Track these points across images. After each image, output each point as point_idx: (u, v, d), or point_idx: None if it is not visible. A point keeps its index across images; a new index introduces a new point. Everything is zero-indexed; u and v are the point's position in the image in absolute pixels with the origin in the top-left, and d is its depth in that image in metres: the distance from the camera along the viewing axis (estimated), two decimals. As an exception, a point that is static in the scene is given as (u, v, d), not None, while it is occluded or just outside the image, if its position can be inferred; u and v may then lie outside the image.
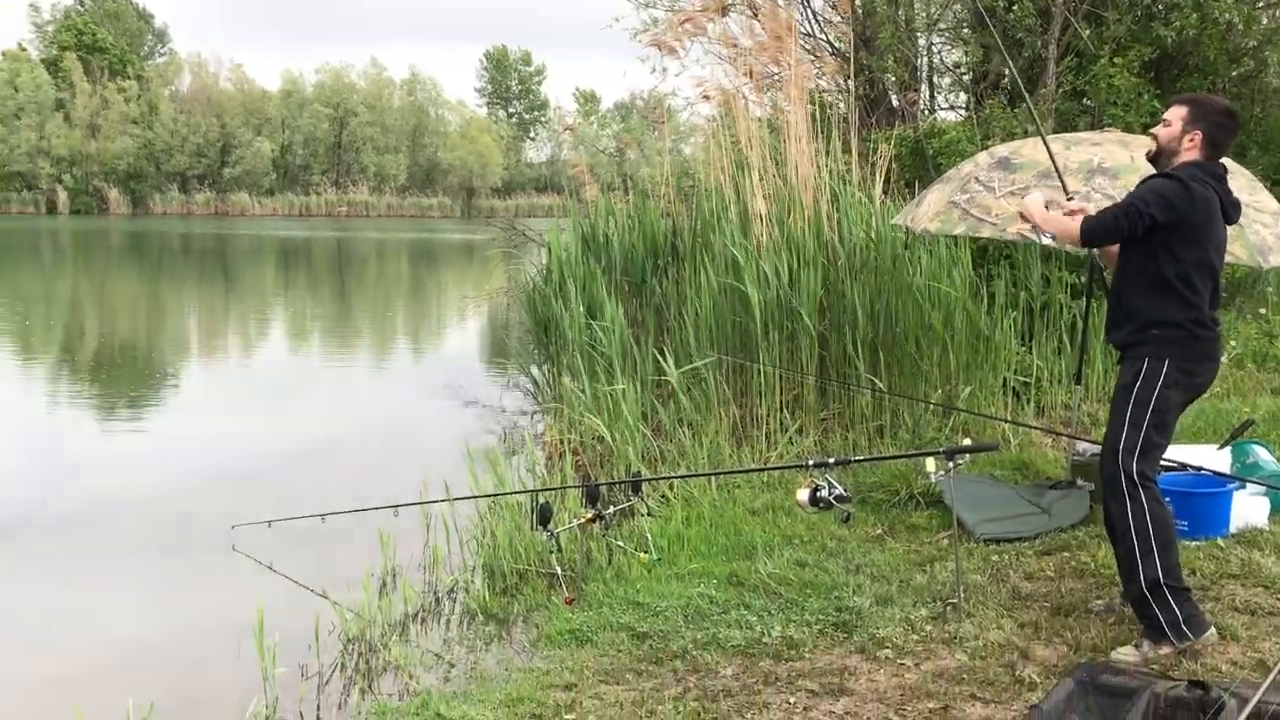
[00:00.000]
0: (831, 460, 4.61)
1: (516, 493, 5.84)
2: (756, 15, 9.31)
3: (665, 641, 4.58)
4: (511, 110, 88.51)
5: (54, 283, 26.40)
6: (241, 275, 30.12)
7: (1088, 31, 10.09)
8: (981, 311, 8.04)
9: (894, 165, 9.79)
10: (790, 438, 7.29)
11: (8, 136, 61.32)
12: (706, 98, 8.72)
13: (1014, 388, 8.38)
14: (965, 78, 12.33)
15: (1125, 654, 3.97)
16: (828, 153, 8.77)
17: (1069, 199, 4.58)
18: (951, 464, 4.45)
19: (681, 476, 6.25)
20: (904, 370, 7.73)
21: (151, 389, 12.72)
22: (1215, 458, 5.80)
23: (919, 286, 7.73)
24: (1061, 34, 10.27)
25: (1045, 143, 4.81)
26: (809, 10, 11.57)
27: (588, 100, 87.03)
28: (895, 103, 11.84)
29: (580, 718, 3.88)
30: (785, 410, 7.61)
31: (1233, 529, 5.47)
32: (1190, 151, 4.07)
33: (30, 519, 7.10)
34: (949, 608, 4.60)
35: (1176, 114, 4.10)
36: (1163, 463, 5.66)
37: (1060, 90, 10.15)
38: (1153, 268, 4.02)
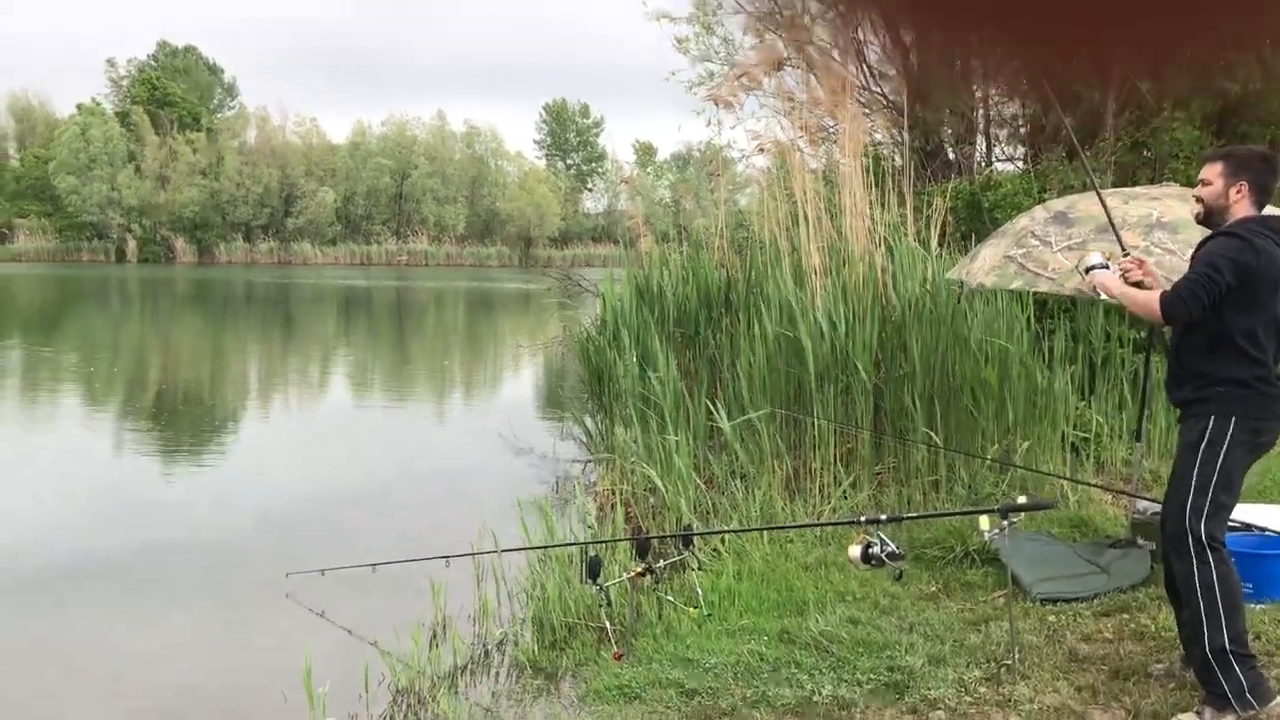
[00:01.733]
0: (884, 517, 4.57)
1: (566, 545, 5.83)
2: (813, 70, 9.35)
3: (714, 699, 4.53)
4: (570, 161, 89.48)
5: (121, 329, 26.98)
6: (302, 323, 30.58)
7: (1146, 85, 10.02)
8: (1039, 365, 7.94)
9: (949, 218, 9.76)
10: (844, 491, 7.22)
11: (81, 187, 63.08)
12: (762, 150, 8.75)
13: (1073, 443, 8.25)
14: (1022, 130, 12.27)
15: (1187, 721, 3.86)
16: (883, 205, 8.77)
17: (1125, 255, 4.53)
18: (1006, 522, 4.37)
19: (733, 531, 6.20)
20: (960, 424, 7.64)
21: (212, 434, 12.92)
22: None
23: (975, 340, 7.66)
24: (1121, 86, 10.20)
25: (1100, 197, 4.76)
26: (864, 64, 11.60)
27: (645, 152, 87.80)
28: (952, 155, 11.80)
29: (627, 775, 3.85)
30: (840, 464, 7.55)
31: (1298, 592, 5.31)
32: (1240, 204, 4.01)
33: (91, 562, 7.21)
34: (1003, 669, 4.50)
35: (1214, 171, 4.05)
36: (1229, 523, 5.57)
37: (1119, 143, 10.06)
38: (1216, 325, 3.94)
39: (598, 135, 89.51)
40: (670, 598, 5.28)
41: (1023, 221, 6.08)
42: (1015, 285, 5.76)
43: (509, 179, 77.60)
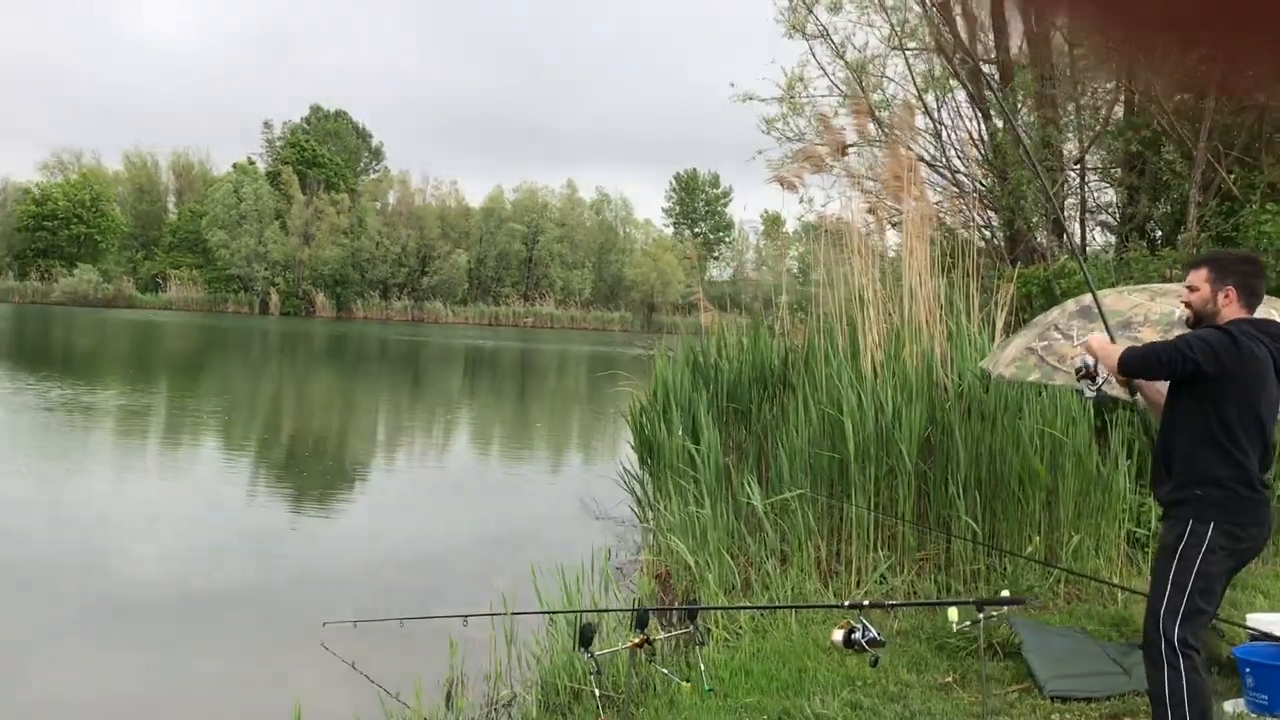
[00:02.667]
0: (866, 602, 4.61)
1: (564, 611, 5.98)
2: (886, 149, 9.47)
3: (695, 773, 4.61)
4: (697, 230, 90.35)
5: (259, 379, 28.28)
6: (428, 381, 31.50)
7: (1233, 175, 9.83)
8: (1094, 458, 7.81)
9: (1025, 304, 9.70)
10: (881, 576, 7.20)
11: (230, 242, 66.43)
12: (827, 232, 8.87)
13: (1138, 538, 8.05)
14: (1113, 219, 12.11)
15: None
16: (950, 286, 8.79)
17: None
18: (982, 616, 4.37)
19: (731, 608, 6.27)
20: (1007, 515, 7.55)
21: (324, 484, 13.50)
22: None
23: (1029, 430, 7.59)
24: (1206, 176, 10.03)
25: (1095, 297, 4.79)
26: (943, 146, 11.66)
27: (773, 223, 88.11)
28: (1039, 240, 11.71)
29: (584, 840, 3.96)
30: (884, 547, 7.53)
31: (1321, 708, 5.11)
32: (1229, 307, 4.00)
33: (180, 595, 7.65)
34: (978, 763, 4.47)
35: (1200, 277, 4.05)
36: (1248, 631, 5.43)
37: (1204, 235, 9.87)
38: (1199, 422, 3.92)
39: (726, 205, 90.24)
40: (665, 670, 5.37)
41: (1053, 314, 6.08)
42: (1033, 377, 5.75)
43: (636, 246, 78.79)
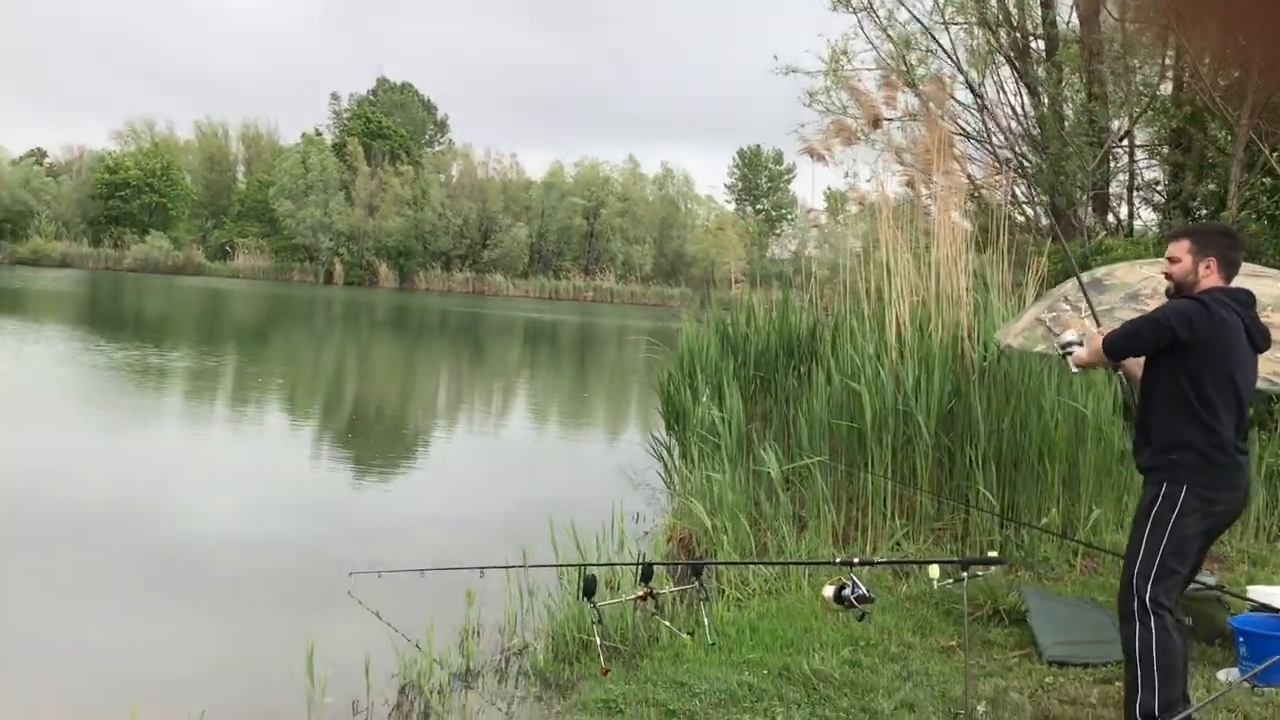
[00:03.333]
0: (856, 560, 4.75)
1: (569, 565, 6.18)
2: (924, 123, 9.48)
3: (689, 720, 4.79)
4: (760, 207, 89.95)
5: (322, 346, 28.88)
6: (487, 351, 31.88)
7: (1277, 154, 9.70)
8: (1118, 432, 7.83)
9: (1063, 280, 9.68)
10: (896, 543, 7.31)
11: (296, 211, 67.47)
12: (860, 204, 8.94)
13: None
14: (1158, 197, 12.00)
15: (1109, 783, 3.91)
16: (984, 260, 8.82)
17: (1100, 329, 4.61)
18: (965, 574, 4.49)
19: (723, 563, 6.44)
20: (1026, 487, 7.61)
21: (378, 445, 13.90)
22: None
23: (1051, 403, 7.63)
24: (1251, 154, 9.91)
25: (1081, 284, 4.89)
26: (985, 121, 11.62)
27: (837, 200, 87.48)
28: (1081, 217, 11.64)
29: (571, 776, 4.16)
30: (901, 516, 7.63)
31: (1316, 679, 5.16)
32: (1209, 278, 4.09)
33: (230, 549, 8.00)
34: (960, 719, 4.60)
35: (1181, 248, 4.15)
36: (1249, 603, 5.48)
37: (1245, 213, 9.77)
38: (1174, 389, 4.03)
39: (789, 182, 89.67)
40: (668, 624, 5.54)
41: (1065, 286, 6.13)
42: (1039, 348, 5.82)
43: (697, 221, 78.68)
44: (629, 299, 71.43)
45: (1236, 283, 4.32)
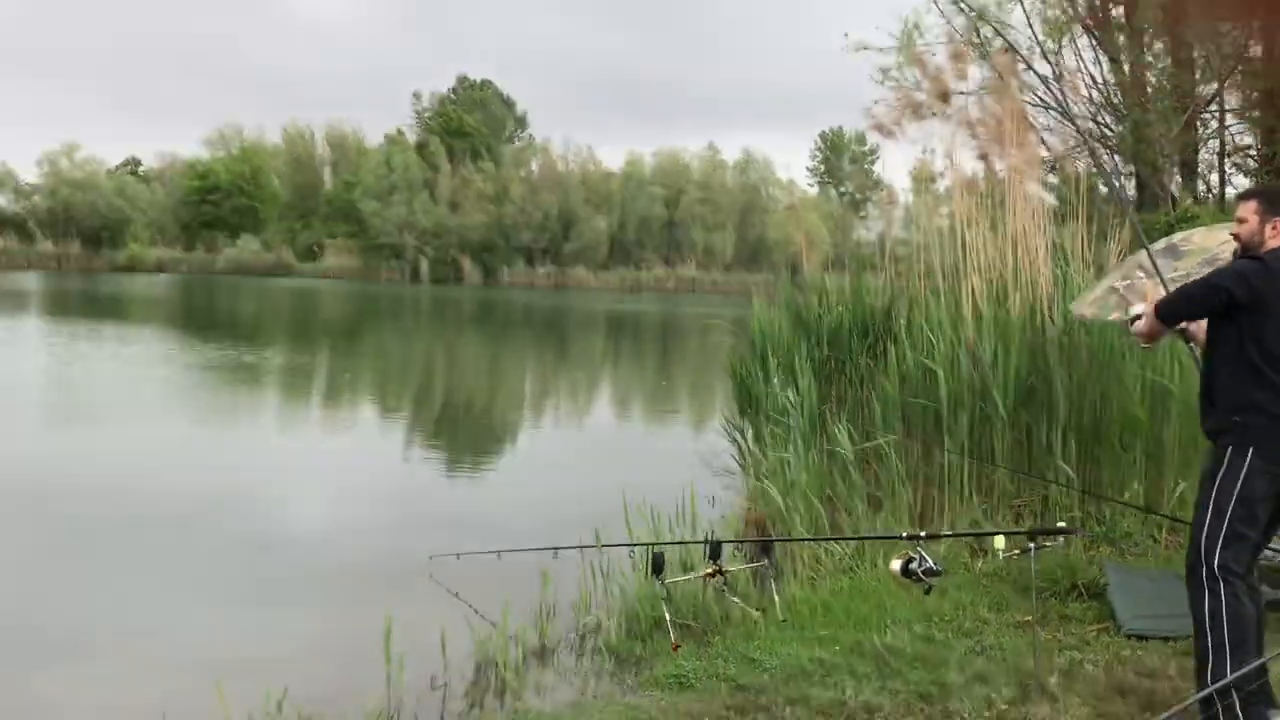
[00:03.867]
0: (923, 534, 4.73)
1: (642, 544, 6.23)
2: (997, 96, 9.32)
3: (758, 695, 4.81)
4: (843, 190, 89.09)
5: (410, 342, 29.40)
6: (570, 345, 32.11)
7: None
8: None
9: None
10: (974, 520, 7.23)
11: (382, 210, 68.59)
12: (926, 179, 8.84)
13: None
14: (1253, 163, 11.64)
15: (1183, 754, 3.84)
16: (1064, 233, 8.67)
17: None
18: (1033, 545, 4.44)
19: (789, 539, 6.43)
20: (1107, 462, 7.47)
21: (454, 435, 14.19)
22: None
23: (1133, 376, 7.48)
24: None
25: (1150, 255, 4.79)
26: (1064, 92, 11.36)
27: (924, 179, 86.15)
28: (1167, 185, 11.36)
29: (643, 748, 4.22)
30: (980, 493, 7.54)
31: None
32: (1275, 238, 3.99)
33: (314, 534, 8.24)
34: (1030, 690, 4.56)
35: (1249, 209, 4.07)
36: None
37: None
38: (1236, 351, 3.95)
39: (873, 163, 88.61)
40: (738, 600, 5.57)
41: (1143, 254, 6.00)
42: (1113, 317, 5.72)
43: (779, 206, 78.17)
44: (711, 287, 71.22)
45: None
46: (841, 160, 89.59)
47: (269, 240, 71.78)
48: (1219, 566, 3.91)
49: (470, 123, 75.11)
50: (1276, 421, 3.88)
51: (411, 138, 76.72)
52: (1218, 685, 3.68)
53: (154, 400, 15.63)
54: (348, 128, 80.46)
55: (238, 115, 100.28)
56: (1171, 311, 4.11)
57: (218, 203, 71.55)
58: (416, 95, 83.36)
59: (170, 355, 21.92)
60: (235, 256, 68.95)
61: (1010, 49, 9.25)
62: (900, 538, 4.93)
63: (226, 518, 8.77)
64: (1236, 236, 4.15)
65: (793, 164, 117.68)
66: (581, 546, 6.35)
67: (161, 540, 8.08)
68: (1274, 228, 4.00)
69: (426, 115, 79.79)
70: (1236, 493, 3.89)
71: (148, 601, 6.71)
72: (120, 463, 11.00)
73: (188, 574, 7.27)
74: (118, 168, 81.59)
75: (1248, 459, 3.88)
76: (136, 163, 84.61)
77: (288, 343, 26.76)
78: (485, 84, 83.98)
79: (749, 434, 9.12)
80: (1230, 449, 3.93)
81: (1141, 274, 5.66)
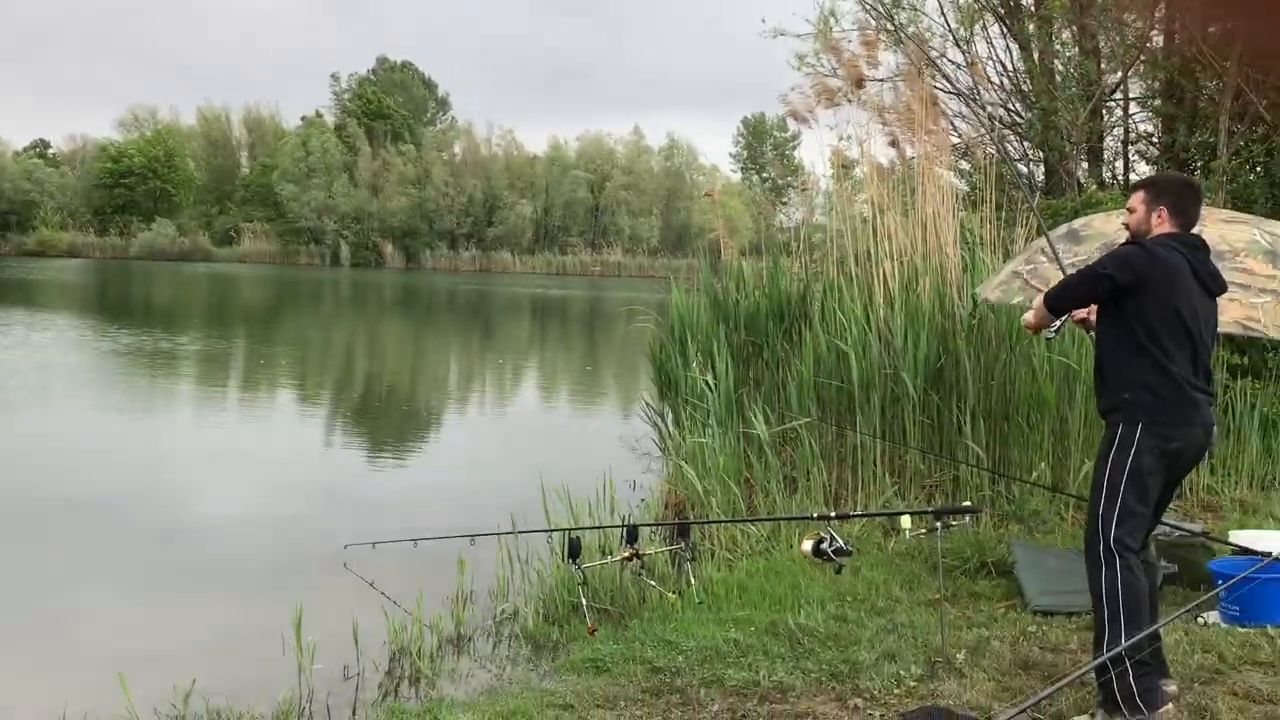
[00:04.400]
0: (833, 514, 4.80)
1: (559, 529, 6.25)
2: (908, 82, 9.46)
3: (674, 677, 4.85)
4: (765, 176, 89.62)
5: (329, 328, 29.02)
6: (493, 329, 31.91)
7: (1266, 101, 9.67)
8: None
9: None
10: (886, 500, 7.36)
11: (300, 195, 67.48)
12: (844, 167, 8.95)
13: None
14: (1154, 149, 11.96)
15: (1080, 723, 3.97)
16: (975, 218, 8.83)
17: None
18: (940, 524, 4.54)
19: (704, 522, 6.50)
20: (1015, 442, 7.65)
21: (370, 422, 14.01)
22: (1290, 544, 5.52)
23: (1039, 357, 7.66)
24: (1241, 104, 9.87)
25: (1049, 241, 4.95)
26: (975, 79, 11.57)
27: (844, 166, 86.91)
28: (1074, 172, 11.62)
29: (556, 734, 4.23)
30: (893, 474, 7.68)
31: (1296, 620, 5.20)
32: (1160, 226, 4.14)
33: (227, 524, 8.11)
34: (939, 667, 4.67)
35: (1137, 199, 4.22)
36: (1231, 547, 5.53)
37: (1236, 162, 9.74)
38: (1123, 332, 4.08)
39: (794, 149, 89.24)
40: (654, 583, 5.61)
41: (1043, 239, 6.14)
42: (1017, 300, 5.85)
43: (702, 192, 78.46)
44: (637, 272, 71.21)
45: (1210, 229, 4.35)
46: (764, 146, 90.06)
47: (184, 225, 70.20)
48: (1114, 541, 4.03)
49: (390, 104, 74.12)
50: (1163, 399, 4.01)
51: (330, 120, 75.53)
52: (1110, 654, 3.80)
53: (64, 387, 15.26)
54: (264, 110, 79.10)
55: (151, 98, 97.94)
56: (1058, 302, 4.24)
57: (131, 186, 69.75)
58: (335, 77, 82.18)
59: (83, 341, 21.40)
60: (150, 241, 67.32)
61: (921, 38, 9.39)
62: (811, 518, 5.00)
63: (135, 508, 8.61)
64: (1127, 225, 4.30)
65: (718, 149, 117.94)
66: (498, 533, 6.34)
67: (66, 532, 7.91)
68: (1159, 216, 4.15)
69: (346, 97, 78.61)
70: (1128, 469, 4.02)
71: (50, 594, 6.58)
72: (26, 451, 10.73)
73: (93, 566, 7.14)
74: (25, 150, 79.14)
75: (1137, 435, 4.01)
76: (45, 145, 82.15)
77: (204, 329, 26.25)
78: (406, 65, 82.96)
79: (669, 418, 9.17)
80: (1121, 426, 4.06)
81: (1043, 258, 5.79)
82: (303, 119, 74.41)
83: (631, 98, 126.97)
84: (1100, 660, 3.87)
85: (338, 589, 6.42)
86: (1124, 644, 3.92)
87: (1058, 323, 4.44)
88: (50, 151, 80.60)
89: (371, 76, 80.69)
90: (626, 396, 18.61)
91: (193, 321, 28.68)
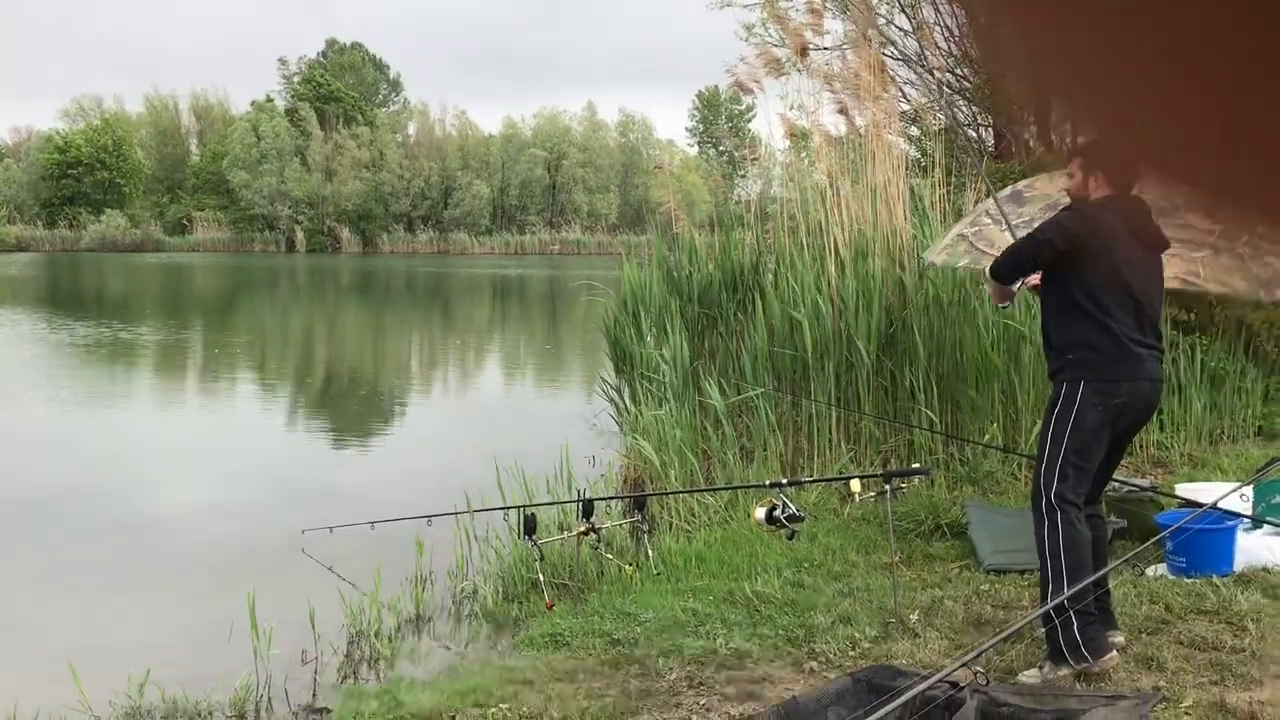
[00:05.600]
0: (785, 481, 4.83)
1: (514, 506, 6.25)
2: (854, 49, 9.48)
3: (632, 648, 4.88)
4: (722, 148, 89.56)
5: (286, 314, 28.75)
6: (454, 311, 31.76)
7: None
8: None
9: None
10: (843, 467, 7.41)
11: (252, 181, 66.65)
12: (790, 136, 8.96)
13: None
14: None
15: (1029, 676, 4.03)
16: (926, 184, 8.88)
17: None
18: (889, 487, 4.59)
19: (660, 494, 6.54)
20: (964, 406, 7.73)
21: (328, 407, 13.90)
22: (1232, 496, 5.61)
23: (985, 320, 7.73)
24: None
25: (996, 201, 4.96)
26: (920, 42, 11.60)
27: (800, 136, 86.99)
28: (1023, 136, 11.70)
29: (514, 708, 4.24)
30: (849, 441, 7.74)
31: (1241, 568, 5.31)
32: (1098, 190, 4.19)
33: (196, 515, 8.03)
34: (893, 627, 4.73)
35: (1074, 164, 4.27)
36: (1178, 500, 5.62)
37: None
38: (1063, 294, 4.15)
39: (749, 120, 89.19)
40: (610, 556, 5.63)
41: (990, 201, 6.18)
42: (962, 263, 5.90)
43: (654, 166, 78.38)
44: (596, 249, 71.02)
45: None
46: (718, 119, 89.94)
47: (135, 215, 69.13)
48: (1055, 496, 4.10)
49: (340, 87, 73.28)
50: (1105, 357, 4.07)
51: (281, 104, 74.57)
52: (1052, 604, 3.86)
53: (15, 381, 15.04)
54: (213, 97, 77.95)
55: (95, 87, 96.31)
56: (1003, 269, 4.29)
57: (79, 177, 68.53)
58: (283, 61, 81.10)
59: (35, 334, 21.11)
60: (101, 233, 66.25)
61: (867, 3, 9.40)
62: (764, 485, 5.03)
63: (88, 500, 8.52)
64: (1067, 191, 4.35)
65: (674, 125, 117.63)
66: (455, 513, 6.33)
67: (16, 525, 7.82)
68: (1095, 180, 4.20)
69: (295, 81, 77.62)
70: (1070, 426, 4.08)
71: None
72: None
73: (44, 559, 7.06)
74: (-33, 144, 77.63)
75: (1079, 392, 4.07)
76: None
77: (157, 319, 25.92)
78: (356, 46, 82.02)
79: (625, 393, 9.17)
80: (1065, 385, 4.12)
81: (988, 219, 5.84)
82: (252, 104, 73.45)
83: (584, 75, 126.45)
84: (1043, 610, 3.93)
85: (295, 575, 6.40)
86: (1066, 594, 3.99)
87: (1014, 289, 4.48)
88: (-7, 144, 79.14)
89: (321, 60, 79.74)
90: (587, 374, 18.58)
91: (147, 312, 28.32)
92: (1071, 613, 3.97)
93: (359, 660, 5.17)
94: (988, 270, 4.36)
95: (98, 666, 4.81)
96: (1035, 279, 4.54)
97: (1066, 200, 5.76)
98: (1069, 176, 4.32)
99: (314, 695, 4.80)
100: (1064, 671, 3.99)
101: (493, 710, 4.16)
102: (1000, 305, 4.59)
